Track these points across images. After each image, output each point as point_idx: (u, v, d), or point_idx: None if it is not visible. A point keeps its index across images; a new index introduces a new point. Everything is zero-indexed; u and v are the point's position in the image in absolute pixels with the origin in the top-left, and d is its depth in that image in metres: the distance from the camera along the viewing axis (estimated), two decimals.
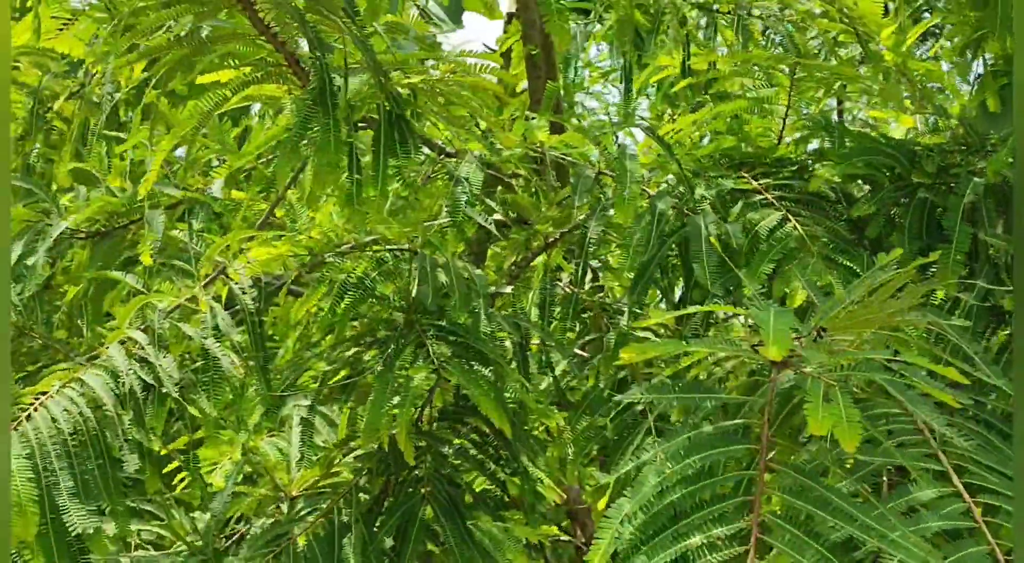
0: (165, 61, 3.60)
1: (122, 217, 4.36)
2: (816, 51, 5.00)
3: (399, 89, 3.43)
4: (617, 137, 4.77)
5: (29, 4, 5.57)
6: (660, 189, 4.16)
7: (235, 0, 3.32)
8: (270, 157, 4.24)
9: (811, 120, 4.25)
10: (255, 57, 3.57)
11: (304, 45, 3.60)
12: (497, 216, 4.35)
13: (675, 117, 5.33)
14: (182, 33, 3.36)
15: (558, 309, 4.33)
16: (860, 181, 4.16)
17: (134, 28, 3.55)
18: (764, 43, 4.94)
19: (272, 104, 3.89)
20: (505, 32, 5.75)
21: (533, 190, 4.40)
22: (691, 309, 3.36)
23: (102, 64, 4.58)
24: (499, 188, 4.40)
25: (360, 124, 3.61)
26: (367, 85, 3.44)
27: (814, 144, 4.44)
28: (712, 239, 3.94)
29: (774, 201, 4.06)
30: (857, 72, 4.44)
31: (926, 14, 5.21)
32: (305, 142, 3.50)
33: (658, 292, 4.37)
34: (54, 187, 4.40)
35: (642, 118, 5.61)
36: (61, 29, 5.64)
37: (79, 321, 4.37)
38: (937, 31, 5.19)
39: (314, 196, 3.57)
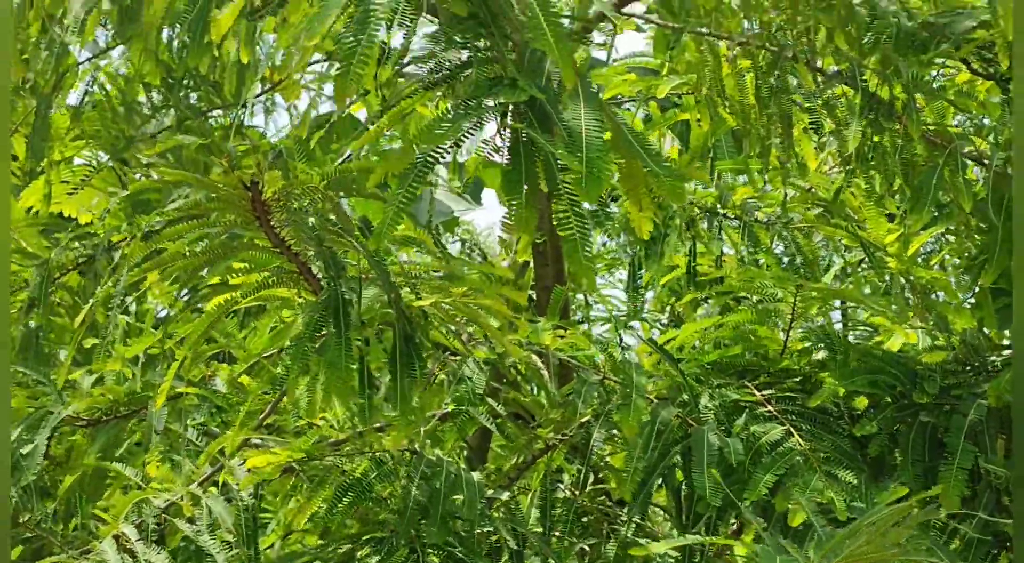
0: (178, 266, 3.63)
1: (124, 406, 4.36)
2: (823, 255, 5.07)
3: (412, 309, 3.46)
4: (621, 340, 4.82)
5: (40, 167, 5.62)
6: (664, 395, 4.20)
7: (254, 217, 3.35)
8: (275, 352, 4.25)
9: (814, 333, 4.29)
10: (269, 265, 3.60)
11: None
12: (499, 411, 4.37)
13: (679, 312, 5.39)
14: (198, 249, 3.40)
15: (559, 511, 4.33)
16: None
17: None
18: (771, 244, 5.00)
19: (283, 305, 3.91)
20: None
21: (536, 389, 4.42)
22: (691, 539, 3.37)
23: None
24: (503, 384, 4.42)
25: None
26: (379, 301, 3.47)
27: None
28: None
29: (777, 414, 4.09)
30: (859, 293, 4.50)
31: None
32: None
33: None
34: (55, 375, 4.39)
35: (646, 317, 5.65)
36: (71, 194, 5.68)
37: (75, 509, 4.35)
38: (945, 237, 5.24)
39: (319, 408, 3.58)
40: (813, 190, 5.17)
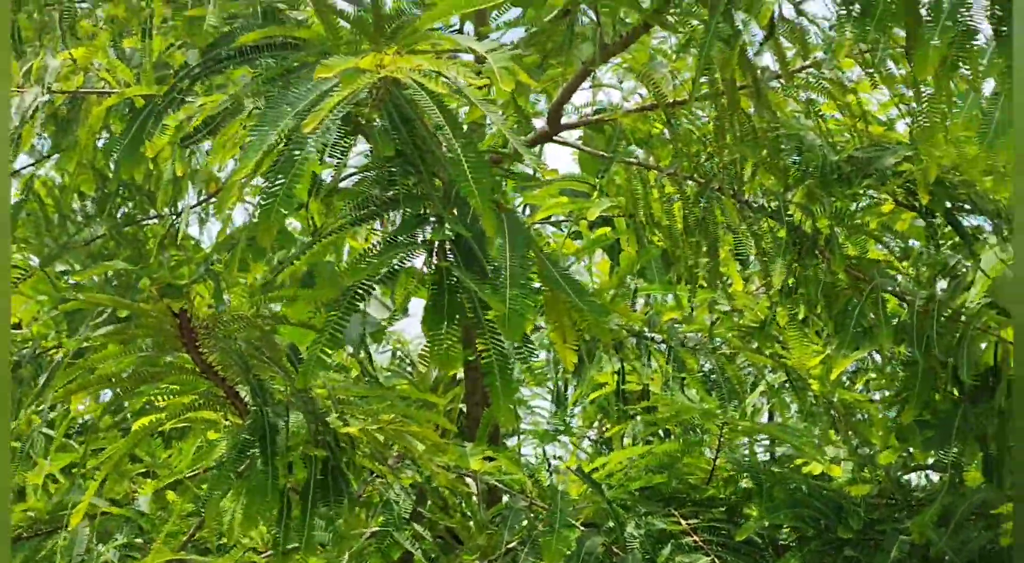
0: (106, 387, 3.62)
1: (44, 524, 4.31)
2: (750, 372, 5.12)
3: (338, 437, 3.46)
4: (550, 465, 4.84)
5: None
6: (591, 521, 4.21)
7: (181, 343, 3.35)
8: (199, 472, 4.23)
9: (739, 464, 4.33)
10: (197, 389, 3.59)
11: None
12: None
13: (607, 428, 5.41)
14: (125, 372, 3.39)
15: None
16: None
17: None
18: (698, 367, 5.05)
19: (209, 427, 3.90)
20: None
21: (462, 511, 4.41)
22: None
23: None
24: (430, 507, 4.41)
25: None
26: (304, 428, 3.47)
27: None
28: None
29: (703, 544, 4.11)
30: (781, 428, 4.55)
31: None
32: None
33: None
34: None
35: (575, 431, 5.67)
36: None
37: None
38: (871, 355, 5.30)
39: (238, 534, 3.56)
40: (740, 311, 5.23)
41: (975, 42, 2.81)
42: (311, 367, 3.01)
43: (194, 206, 5.85)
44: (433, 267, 3.05)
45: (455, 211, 3.06)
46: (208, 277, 5.14)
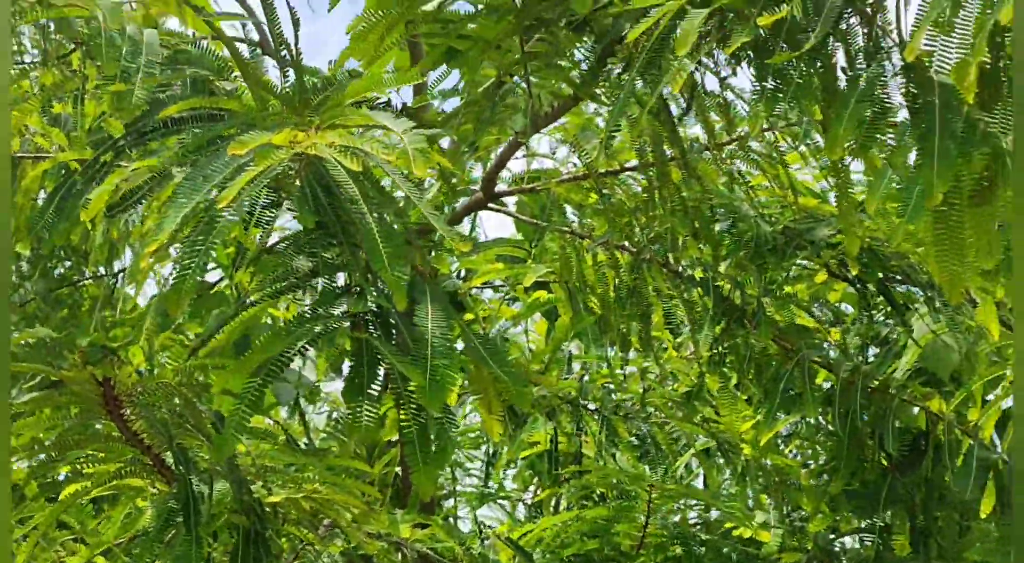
0: (31, 454, 3.61)
1: None
2: (679, 442, 5.15)
3: (264, 505, 3.46)
4: (482, 531, 4.84)
5: None
6: None
7: (105, 411, 3.35)
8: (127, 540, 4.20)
9: (670, 530, 4.35)
10: (124, 456, 3.59)
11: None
12: None
13: (540, 489, 5.43)
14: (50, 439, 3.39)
15: None
16: None
17: None
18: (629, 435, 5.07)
19: (137, 494, 3.89)
20: None
21: None
22: None
23: None
24: None
25: None
26: (228, 496, 3.46)
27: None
28: None
29: None
30: (711, 494, 4.59)
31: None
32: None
33: None
34: None
35: (510, 493, 5.68)
36: None
37: None
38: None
39: None
40: (675, 375, 5.27)
41: (889, 120, 2.85)
42: (230, 436, 3.00)
43: (129, 267, 5.86)
44: (353, 339, 3.06)
45: (378, 281, 3.07)
46: (141, 340, 5.13)
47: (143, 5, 6.49)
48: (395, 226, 3.00)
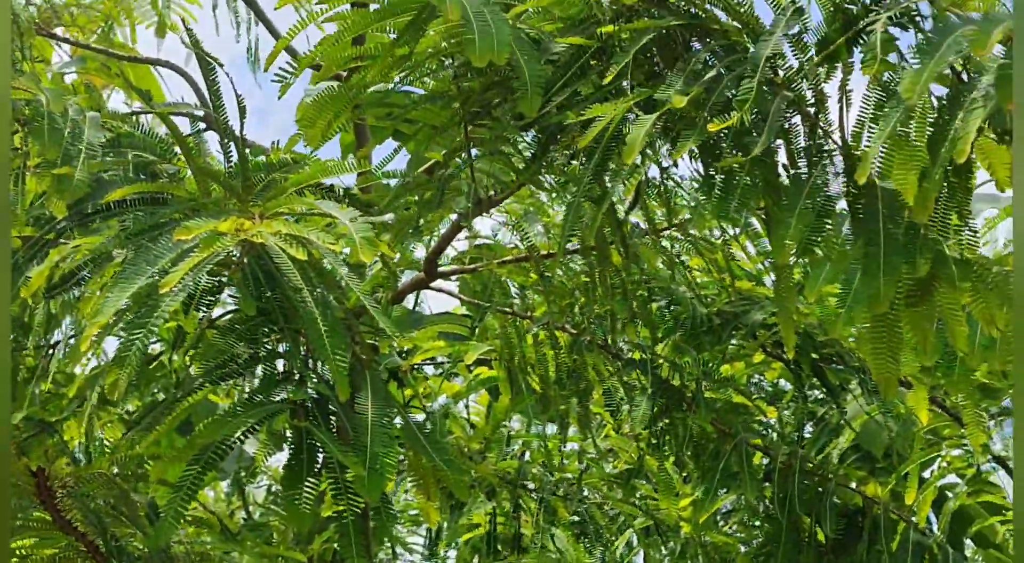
0: None
1: None
2: (617, 521, 5.17)
3: None
4: None
5: None
6: None
7: (38, 501, 3.32)
8: None
9: None
10: (59, 544, 3.56)
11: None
12: None
13: None
14: None
15: None
16: None
17: None
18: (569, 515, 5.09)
19: None
20: None
21: None
22: None
23: None
24: None
25: None
26: None
27: None
28: None
29: None
30: None
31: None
32: None
33: None
34: None
35: None
36: None
37: None
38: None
39: None
40: (614, 451, 5.28)
41: (830, 223, 2.88)
42: (166, 526, 2.98)
43: (69, 338, 5.80)
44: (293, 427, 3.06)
45: (318, 367, 3.07)
46: (78, 414, 5.08)
47: (86, 76, 6.50)
48: (337, 313, 3.00)
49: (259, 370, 3.16)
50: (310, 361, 3.13)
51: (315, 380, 3.10)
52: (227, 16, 6.09)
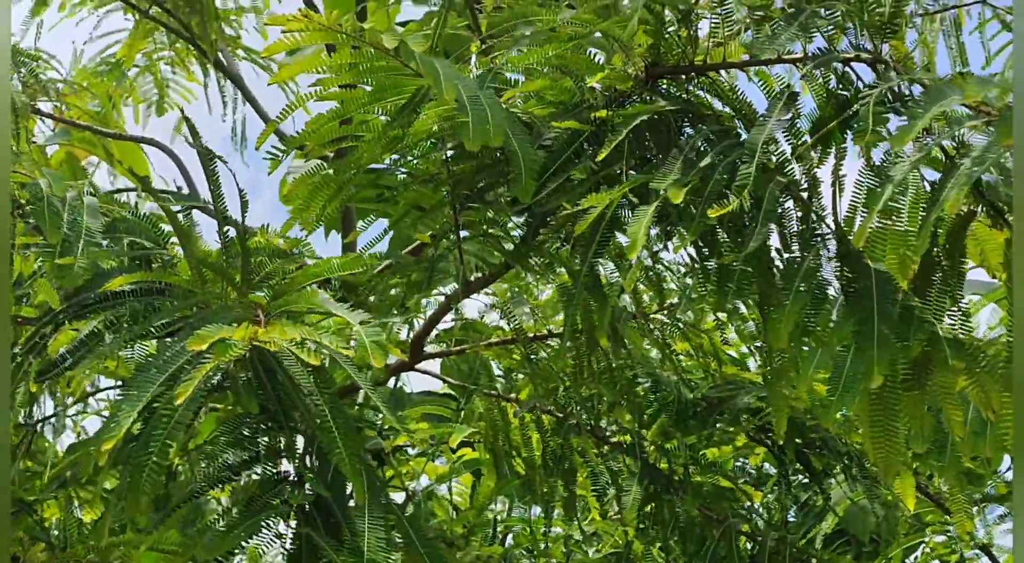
0: None
1: None
2: None
3: None
4: None
5: None
6: None
7: None
8: None
9: None
10: None
11: None
12: None
13: None
14: None
15: None
16: None
17: None
18: None
19: None
20: None
21: None
22: None
23: None
24: None
25: None
26: None
27: None
28: None
29: None
30: None
31: None
32: None
33: None
34: None
35: None
36: None
37: None
38: None
39: None
40: (599, 535, 5.26)
41: (825, 307, 2.90)
42: None
43: (49, 417, 5.76)
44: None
45: (315, 465, 3.05)
46: (58, 492, 5.03)
47: (70, 148, 6.50)
48: (348, 414, 2.99)
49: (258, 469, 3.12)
50: (307, 458, 3.11)
51: (312, 477, 3.07)
52: (215, 95, 6.13)
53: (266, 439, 3.09)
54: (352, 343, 2.89)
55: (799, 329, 2.85)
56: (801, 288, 2.84)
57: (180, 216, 3.75)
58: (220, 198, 3.24)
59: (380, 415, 4.02)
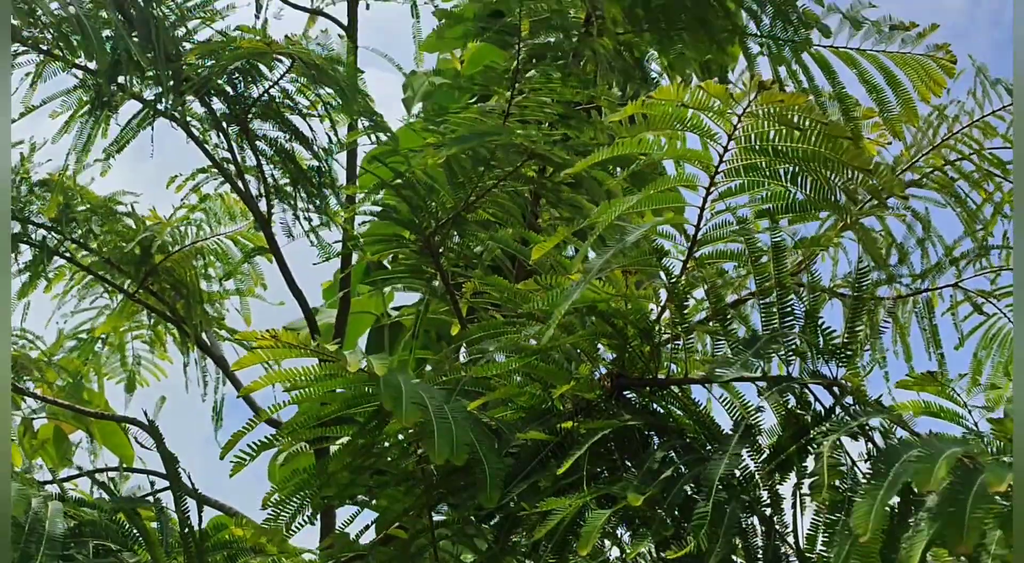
0: None
1: None
2: None
3: None
4: None
5: None
6: None
7: None
8: None
9: None
10: None
11: None
12: None
13: None
14: None
15: None
16: None
17: None
18: None
19: None
20: None
21: None
22: None
23: None
24: None
25: None
26: None
27: None
28: None
29: None
30: None
31: None
32: None
33: None
34: None
35: None
36: None
37: None
38: None
39: None
40: None
41: None
42: None
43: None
44: None
45: None
46: None
47: (57, 423, 6.55)
48: None
49: None
50: None
51: None
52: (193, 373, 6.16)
53: None
54: None
55: None
56: None
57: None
58: (182, 500, 3.27)
59: None
